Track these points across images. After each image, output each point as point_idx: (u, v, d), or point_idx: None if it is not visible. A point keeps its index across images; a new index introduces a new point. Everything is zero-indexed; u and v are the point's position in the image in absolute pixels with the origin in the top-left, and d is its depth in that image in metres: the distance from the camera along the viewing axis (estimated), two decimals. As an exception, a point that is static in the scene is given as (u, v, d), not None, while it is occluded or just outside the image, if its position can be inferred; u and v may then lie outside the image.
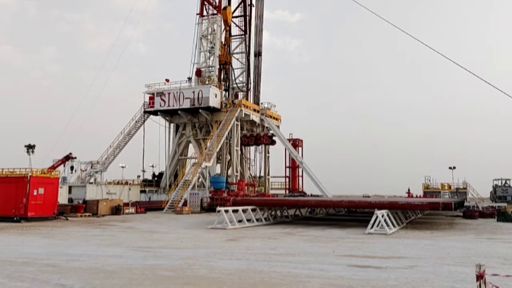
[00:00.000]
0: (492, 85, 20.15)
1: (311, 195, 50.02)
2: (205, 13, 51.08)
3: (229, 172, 49.27)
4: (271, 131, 52.19)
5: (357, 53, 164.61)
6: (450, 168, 54.28)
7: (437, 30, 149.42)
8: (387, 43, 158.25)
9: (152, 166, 54.57)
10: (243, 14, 56.59)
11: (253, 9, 55.42)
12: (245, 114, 48.36)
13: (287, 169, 58.32)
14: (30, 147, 37.40)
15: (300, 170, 55.92)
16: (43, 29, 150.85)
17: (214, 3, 51.13)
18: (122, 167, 53.87)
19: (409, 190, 54.27)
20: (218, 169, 49.14)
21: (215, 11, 50.71)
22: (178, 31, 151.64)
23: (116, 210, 32.06)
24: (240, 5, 56.86)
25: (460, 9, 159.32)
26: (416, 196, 49.70)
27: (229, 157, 49.87)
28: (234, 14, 55.59)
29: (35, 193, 24.96)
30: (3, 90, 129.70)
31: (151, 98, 49.18)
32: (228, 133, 46.38)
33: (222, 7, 51.30)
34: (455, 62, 22.14)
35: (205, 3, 51.21)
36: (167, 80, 49.19)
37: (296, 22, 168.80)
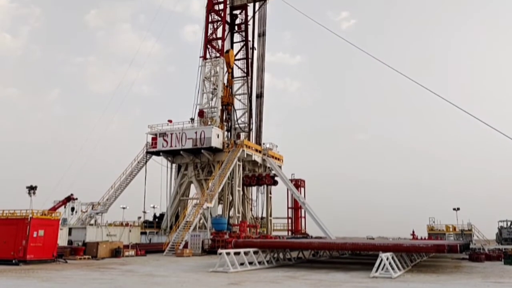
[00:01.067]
0: (492, 127, 20.32)
1: (311, 237, 49.29)
2: (208, 56, 52.32)
3: (231, 213, 48.82)
4: (273, 172, 52.13)
5: (357, 94, 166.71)
6: (454, 209, 53.82)
7: (431, 69, 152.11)
8: (387, 84, 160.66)
9: (154, 207, 54.15)
10: (245, 56, 58.32)
11: (255, 52, 57.29)
12: (247, 154, 48.52)
13: (290, 210, 57.76)
14: (31, 189, 37.25)
15: (303, 211, 55.39)
16: (48, 71, 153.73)
17: (217, 47, 52.47)
18: (123, 208, 53.52)
19: (413, 232, 53.61)
20: (219, 209, 48.72)
21: (218, 54, 51.95)
22: (181, 73, 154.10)
23: (116, 252, 31.50)
24: (242, 48, 58.65)
25: (463, 50, 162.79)
26: (421, 238, 48.99)
27: (231, 198, 49.58)
28: (237, 57, 57.24)
29: (35, 235, 24.63)
30: (7, 131, 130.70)
31: (154, 139, 49.50)
32: (230, 174, 46.33)
33: (225, 50, 52.64)
34: (455, 104, 22.46)
35: (209, 46, 52.59)
36: (170, 121, 49.75)
37: (297, 64, 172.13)
